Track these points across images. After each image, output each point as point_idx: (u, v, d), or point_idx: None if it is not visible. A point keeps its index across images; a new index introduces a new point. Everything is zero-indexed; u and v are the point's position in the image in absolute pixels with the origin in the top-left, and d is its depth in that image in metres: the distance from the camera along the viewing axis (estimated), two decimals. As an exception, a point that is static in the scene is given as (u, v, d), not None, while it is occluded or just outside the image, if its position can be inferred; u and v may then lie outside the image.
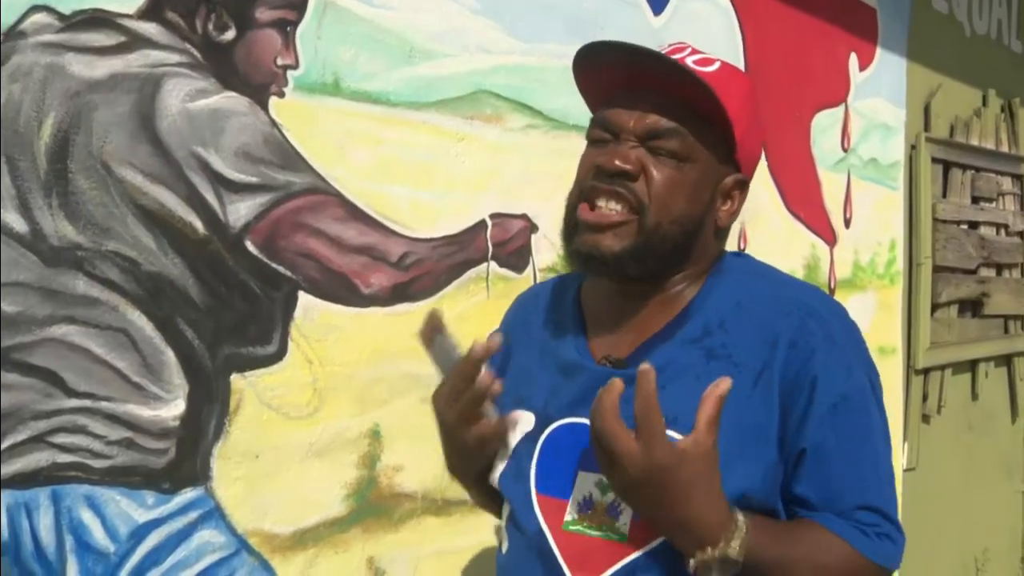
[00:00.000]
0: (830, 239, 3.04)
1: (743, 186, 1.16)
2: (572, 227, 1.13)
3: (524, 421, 1.18)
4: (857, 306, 3.17)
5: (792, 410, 1.07)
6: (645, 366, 0.99)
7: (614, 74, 1.13)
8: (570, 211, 1.14)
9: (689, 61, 1.09)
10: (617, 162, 1.08)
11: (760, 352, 1.08)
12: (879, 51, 3.22)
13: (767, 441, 1.07)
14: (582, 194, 1.13)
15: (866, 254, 3.22)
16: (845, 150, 3.09)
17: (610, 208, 1.09)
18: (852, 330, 1.14)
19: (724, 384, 0.98)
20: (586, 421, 1.09)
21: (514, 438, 1.18)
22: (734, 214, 1.16)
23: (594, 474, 1.08)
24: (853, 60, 3.11)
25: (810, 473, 1.08)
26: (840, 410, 1.07)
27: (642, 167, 1.08)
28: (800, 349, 1.07)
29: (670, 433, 1.01)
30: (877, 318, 3.28)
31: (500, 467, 1.19)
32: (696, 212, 1.11)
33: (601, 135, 1.13)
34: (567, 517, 1.09)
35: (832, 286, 3.05)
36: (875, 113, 3.23)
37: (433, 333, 1.22)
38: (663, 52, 1.11)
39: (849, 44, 3.09)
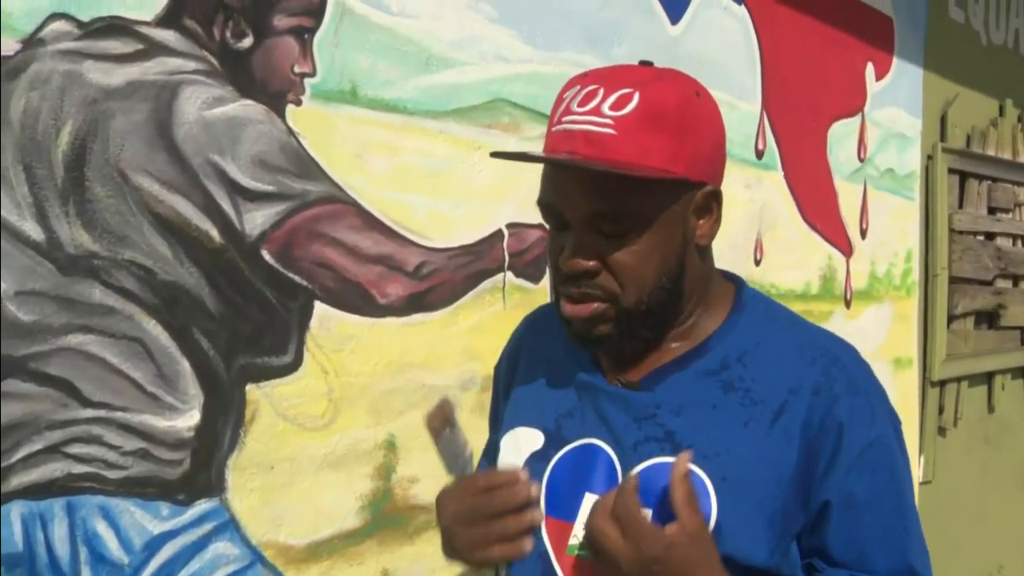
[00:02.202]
0: (846, 250, 3.02)
1: (716, 196, 1.07)
2: (564, 320, 1.09)
3: (531, 439, 1.14)
4: (873, 317, 3.15)
5: (818, 458, 1.04)
6: (632, 474, 1.00)
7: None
8: (557, 302, 1.10)
9: (606, 108, 0.99)
10: (576, 263, 1.03)
11: (779, 392, 1.05)
12: (896, 61, 3.21)
13: (779, 484, 1.03)
14: (557, 289, 1.10)
15: (882, 265, 3.19)
16: (861, 160, 3.07)
17: (585, 302, 1.05)
18: (873, 377, 1.11)
19: (683, 460, 0.97)
20: (598, 442, 1.07)
21: (520, 457, 1.14)
22: (715, 224, 1.08)
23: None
24: (870, 69, 3.10)
25: (837, 526, 1.05)
26: (867, 457, 1.05)
27: (600, 259, 1.03)
28: (824, 396, 1.04)
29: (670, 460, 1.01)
30: (893, 329, 3.25)
31: None
32: (672, 264, 1.05)
33: (553, 221, 1.08)
34: (572, 540, 1.06)
35: (848, 297, 3.03)
36: (892, 123, 3.21)
37: (444, 424, 1.18)
38: (575, 96, 1.02)
39: (866, 54, 3.07)
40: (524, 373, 1.23)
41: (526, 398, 1.20)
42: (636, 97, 0.99)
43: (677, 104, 1.01)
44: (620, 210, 1.00)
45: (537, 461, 1.12)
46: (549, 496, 1.10)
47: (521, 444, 1.15)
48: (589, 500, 1.06)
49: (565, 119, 1.02)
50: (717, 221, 1.08)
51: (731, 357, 1.08)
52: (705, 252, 1.10)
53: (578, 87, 1.03)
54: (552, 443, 1.12)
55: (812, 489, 1.04)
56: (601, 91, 1.00)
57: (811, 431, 1.04)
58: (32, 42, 1.28)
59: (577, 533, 1.06)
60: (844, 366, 1.08)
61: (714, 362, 1.08)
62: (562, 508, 1.08)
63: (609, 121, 0.99)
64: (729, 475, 1.02)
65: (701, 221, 1.07)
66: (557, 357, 1.19)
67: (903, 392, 3.33)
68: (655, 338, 1.09)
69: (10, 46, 1.26)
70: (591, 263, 1.03)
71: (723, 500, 1.01)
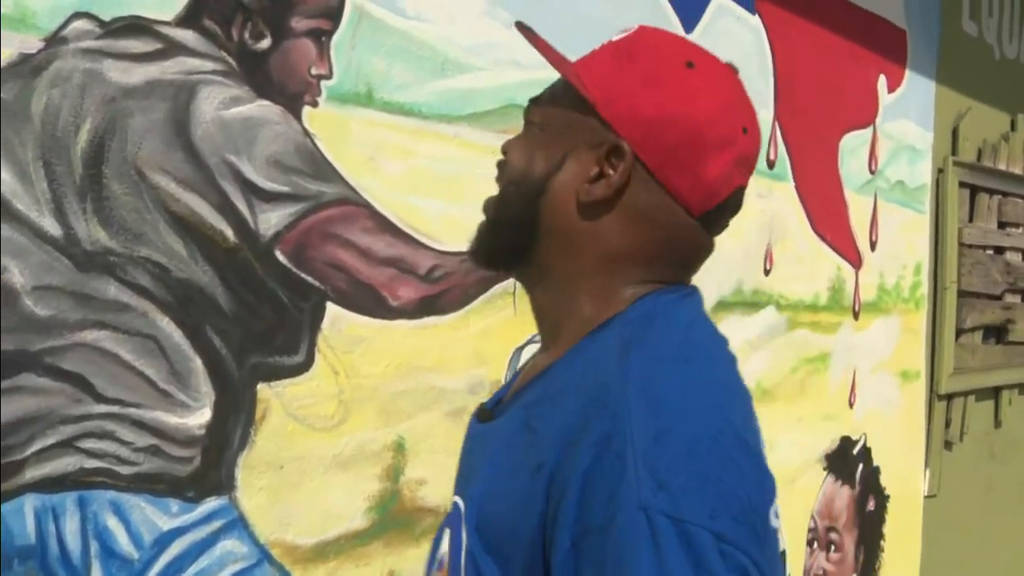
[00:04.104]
0: (855, 261, 3.02)
1: (619, 154, 0.90)
2: None
3: None
4: (881, 329, 3.15)
5: (547, 522, 0.83)
6: None
7: None
8: None
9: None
10: (502, 146, 1.02)
11: (554, 441, 0.84)
12: (908, 73, 3.21)
13: (524, 542, 0.85)
14: None
15: (891, 277, 3.19)
16: (872, 172, 3.08)
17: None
18: (667, 434, 0.79)
19: None
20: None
21: None
22: (609, 188, 0.91)
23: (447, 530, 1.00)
24: (882, 81, 3.10)
25: None
26: (587, 545, 0.78)
27: (510, 145, 1.00)
28: (571, 450, 0.81)
29: (458, 500, 0.95)
30: (901, 342, 3.25)
31: None
32: (534, 173, 0.95)
33: None
34: (432, 570, 1.02)
35: (856, 309, 3.03)
36: (903, 135, 3.21)
37: None
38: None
39: (879, 65, 3.08)
40: None
41: None
42: (632, 30, 0.98)
43: (649, 55, 0.94)
44: (538, 102, 0.99)
45: None
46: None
47: None
48: (446, 533, 1.00)
49: None
50: (611, 186, 0.91)
51: (549, 392, 0.90)
52: (587, 212, 0.93)
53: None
54: None
55: (548, 552, 0.83)
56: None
57: (553, 485, 0.82)
58: (55, 40, 1.29)
59: (436, 561, 1.03)
60: (610, 414, 0.81)
61: (536, 393, 0.92)
62: (436, 540, 1.05)
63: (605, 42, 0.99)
64: (482, 524, 0.89)
65: (590, 178, 0.92)
66: None
67: (910, 405, 3.33)
68: (507, 263, 1.02)
69: (33, 44, 1.28)
70: (505, 146, 1.01)
71: (473, 545, 0.89)
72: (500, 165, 1.01)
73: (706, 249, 0.97)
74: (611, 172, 0.91)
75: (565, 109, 0.95)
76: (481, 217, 1.01)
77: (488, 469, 0.92)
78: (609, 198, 0.91)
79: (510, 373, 1.86)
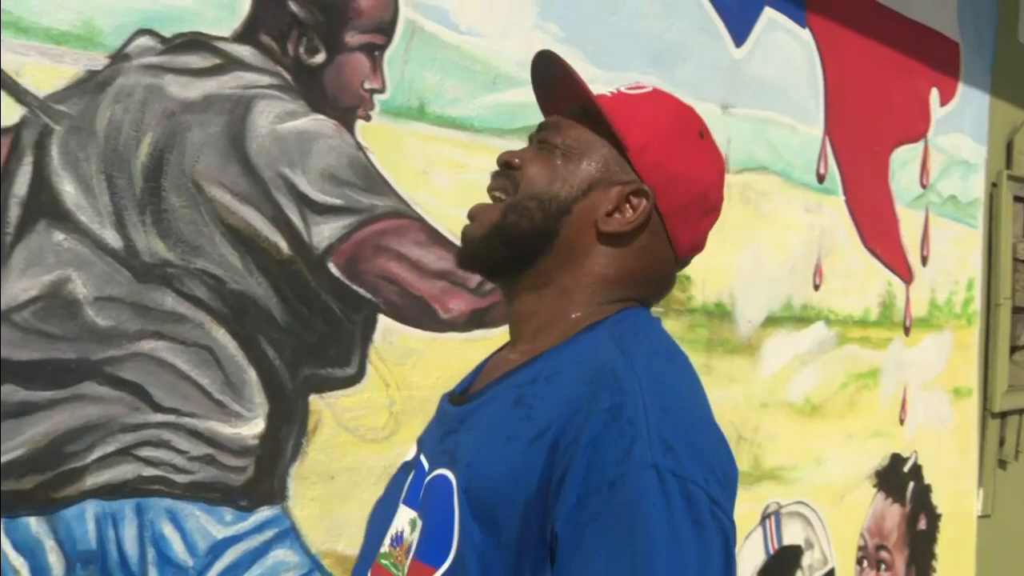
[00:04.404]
0: (907, 277, 2.98)
1: (641, 196, 1.02)
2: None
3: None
4: (933, 345, 3.10)
5: (551, 477, 0.90)
6: None
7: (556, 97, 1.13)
8: None
9: (622, 88, 1.09)
10: (506, 155, 1.07)
11: (554, 413, 0.92)
12: (961, 86, 3.17)
13: (520, 504, 0.91)
14: None
15: (943, 293, 3.15)
16: (924, 186, 3.04)
17: (492, 195, 1.07)
18: (670, 410, 0.91)
19: None
20: (422, 458, 1.06)
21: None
22: (627, 224, 1.02)
23: (412, 510, 1.01)
24: (934, 95, 3.07)
25: (559, 570, 0.89)
26: (596, 500, 0.86)
27: (523, 159, 1.05)
28: (580, 415, 0.90)
29: (445, 472, 0.97)
30: (953, 358, 3.20)
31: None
32: (560, 194, 1.02)
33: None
34: (382, 549, 1.05)
35: (907, 324, 2.99)
36: (955, 149, 3.17)
37: None
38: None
39: (930, 79, 3.04)
40: None
41: None
42: (649, 89, 1.09)
43: (679, 110, 1.08)
44: (564, 128, 1.05)
45: (401, 470, 1.14)
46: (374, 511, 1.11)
47: None
48: (402, 511, 1.03)
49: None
50: (631, 223, 1.02)
51: (543, 374, 0.98)
52: (606, 240, 1.04)
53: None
54: (416, 454, 1.12)
55: (548, 515, 0.90)
56: (639, 89, 1.10)
57: (558, 450, 0.89)
58: (119, 57, 1.33)
59: (387, 542, 1.04)
60: (620, 389, 0.91)
61: (527, 376, 1.00)
62: (378, 522, 1.07)
63: (615, 90, 1.08)
64: (473, 494, 0.93)
65: (610, 211, 1.03)
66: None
67: (962, 423, 3.27)
68: (505, 270, 1.06)
69: (99, 61, 1.31)
70: (520, 158, 1.06)
71: (463, 513, 0.93)
72: (502, 175, 1.06)
73: (673, 285, 1.12)
74: (629, 210, 1.03)
75: (593, 142, 1.05)
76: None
77: (477, 443, 0.97)
78: (626, 232, 1.03)
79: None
